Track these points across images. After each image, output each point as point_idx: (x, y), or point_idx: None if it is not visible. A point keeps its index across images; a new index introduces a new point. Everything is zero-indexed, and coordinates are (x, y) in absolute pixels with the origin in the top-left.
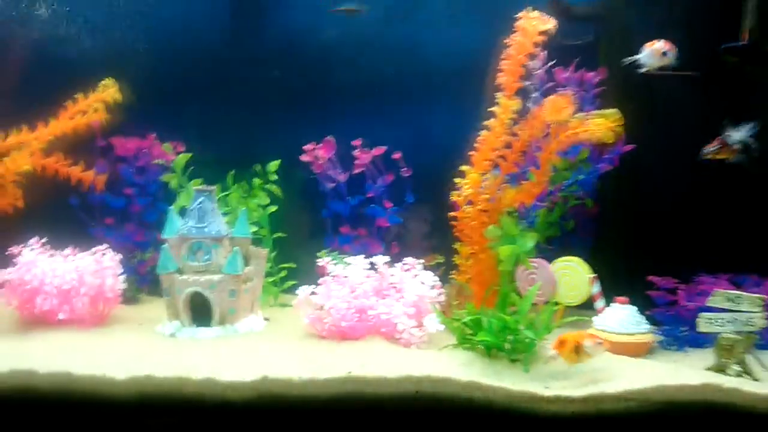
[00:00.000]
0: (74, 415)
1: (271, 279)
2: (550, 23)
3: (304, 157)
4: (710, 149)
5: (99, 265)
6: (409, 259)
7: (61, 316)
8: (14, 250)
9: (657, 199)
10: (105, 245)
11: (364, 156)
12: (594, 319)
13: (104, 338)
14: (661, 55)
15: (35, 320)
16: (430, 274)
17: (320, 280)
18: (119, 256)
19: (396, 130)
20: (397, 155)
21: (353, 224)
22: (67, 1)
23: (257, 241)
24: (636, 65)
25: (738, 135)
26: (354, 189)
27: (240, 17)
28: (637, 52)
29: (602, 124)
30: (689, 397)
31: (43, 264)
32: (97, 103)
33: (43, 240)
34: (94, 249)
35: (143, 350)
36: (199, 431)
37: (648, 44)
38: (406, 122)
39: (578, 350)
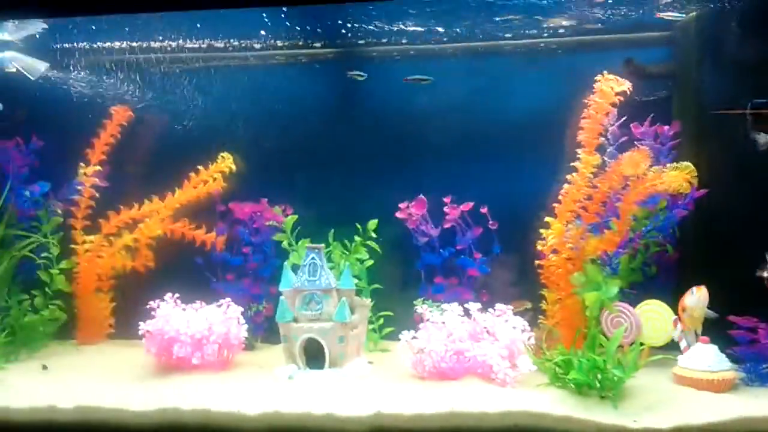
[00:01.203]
0: None
1: (371, 327)
2: (625, 85)
3: (398, 215)
4: None
5: (225, 316)
6: (499, 306)
7: (194, 361)
8: (152, 304)
9: (734, 242)
10: (227, 298)
11: (453, 211)
12: (679, 358)
13: (232, 380)
14: None
15: (171, 366)
16: (519, 319)
17: (419, 326)
18: (240, 308)
19: (483, 186)
20: (484, 209)
21: (445, 274)
22: (190, 87)
23: (358, 292)
24: (754, 142)
25: None
26: (445, 242)
27: (338, 93)
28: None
29: (677, 177)
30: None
31: (178, 316)
32: (216, 173)
33: (176, 295)
34: (219, 302)
35: (267, 390)
36: None
37: None
38: (493, 178)
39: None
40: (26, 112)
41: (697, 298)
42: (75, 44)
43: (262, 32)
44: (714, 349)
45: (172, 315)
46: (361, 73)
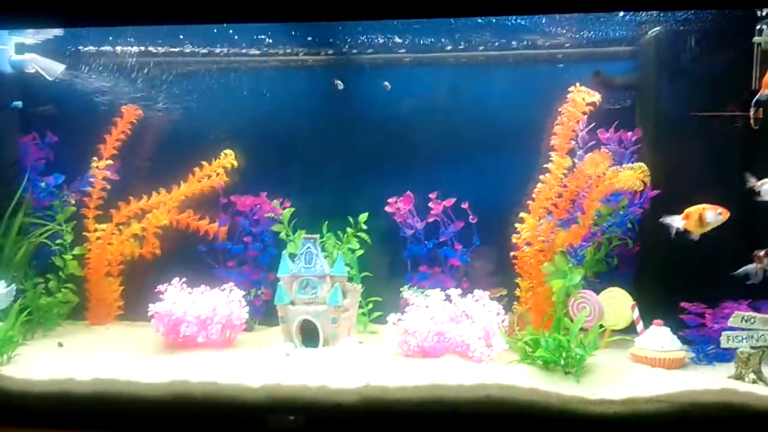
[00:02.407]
0: (220, 413)
1: (361, 310)
2: (596, 96)
3: (387, 209)
4: None
5: (227, 299)
6: (477, 292)
7: (199, 339)
8: (160, 287)
9: (687, 237)
10: (230, 283)
11: (437, 206)
12: (635, 339)
13: (235, 357)
14: None
15: (178, 344)
16: (495, 303)
17: (405, 310)
18: (241, 292)
19: (465, 184)
20: (465, 205)
21: (429, 264)
22: (192, 88)
23: (349, 278)
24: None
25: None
26: (429, 234)
27: (333, 97)
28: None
29: (631, 176)
30: (710, 399)
31: (185, 298)
32: (219, 168)
33: (183, 280)
34: (222, 286)
35: (267, 365)
36: (316, 426)
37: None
38: (474, 177)
39: (702, 220)
40: (50, 109)
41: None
42: (89, 47)
43: (262, 38)
44: (667, 331)
45: (179, 298)
46: (340, 83)
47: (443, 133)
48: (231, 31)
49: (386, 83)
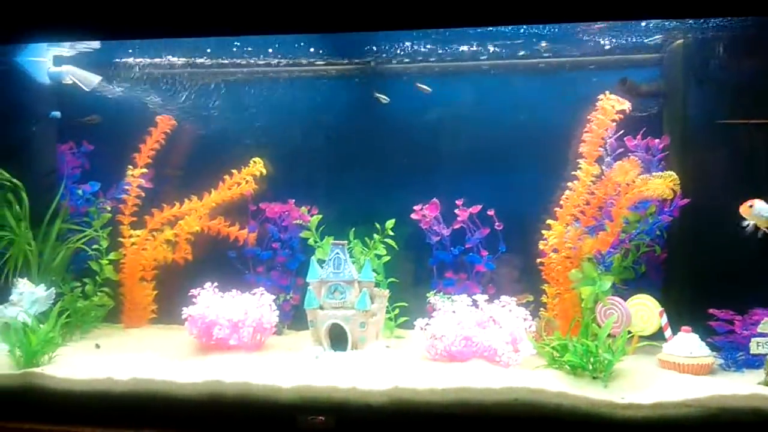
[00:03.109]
0: (252, 413)
1: (387, 316)
2: (626, 104)
3: (413, 215)
4: None
5: (258, 303)
6: (504, 298)
7: (231, 342)
8: (193, 292)
9: (715, 244)
10: (261, 288)
11: (463, 213)
12: (663, 345)
13: (266, 359)
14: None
15: (211, 347)
16: (522, 309)
17: (431, 315)
18: (271, 297)
19: (491, 191)
20: (491, 212)
21: (455, 270)
22: (227, 98)
23: (376, 284)
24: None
25: None
26: (455, 241)
27: (360, 105)
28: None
29: (660, 184)
30: (739, 404)
31: (217, 302)
32: (248, 176)
33: (214, 284)
34: (253, 291)
35: (297, 368)
36: (346, 427)
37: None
38: (500, 184)
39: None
40: (96, 119)
41: None
42: (124, 59)
43: (288, 48)
44: (695, 337)
45: (211, 301)
46: (385, 97)
47: (469, 141)
48: (259, 41)
49: (382, 96)
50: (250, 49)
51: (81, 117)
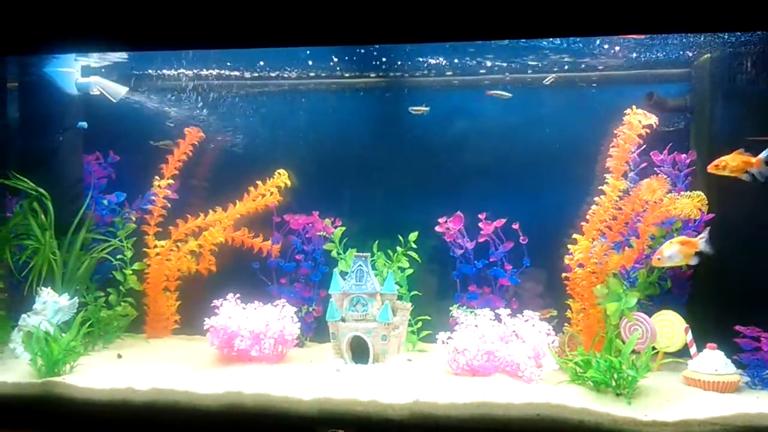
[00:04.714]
0: (271, 424)
1: (410, 329)
2: (652, 119)
3: (437, 228)
4: None
5: (280, 315)
6: (528, 312)
7: (253, 353)
8: (216, 302)
9: (741, 261)
10: (283, 299)
11: (487, 227)
12: (688, 362)
13: (286, 371)
14: None
15: (232, 358)
16: (545, 324)
17: (454, 329)
18: (293, 308)
19: (515, 205)
20: (515, 226)
21: (479, 284)
22: (252, 111)
23: (399, 297)
24: None
25: None
26: (479, 254)
27: (384, 119)
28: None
29: (688, 204)
30: (765, 423)
31: (239, 313)
32: (272, 188)
33: (237, 296)
34: (275, 302)
35: (318, 380)
36: None
37: None
38: (524, 198)
39: None
40: (174, 144)
41: None
42: (151, 71)
43: (317, 61)
44: (720, 355)
45: (233, 312)
46: (424, 108)
47: (495, 154)
48: (286, 54)
49: (419, 108)
50: (274, 60)
51: (154, 140)
